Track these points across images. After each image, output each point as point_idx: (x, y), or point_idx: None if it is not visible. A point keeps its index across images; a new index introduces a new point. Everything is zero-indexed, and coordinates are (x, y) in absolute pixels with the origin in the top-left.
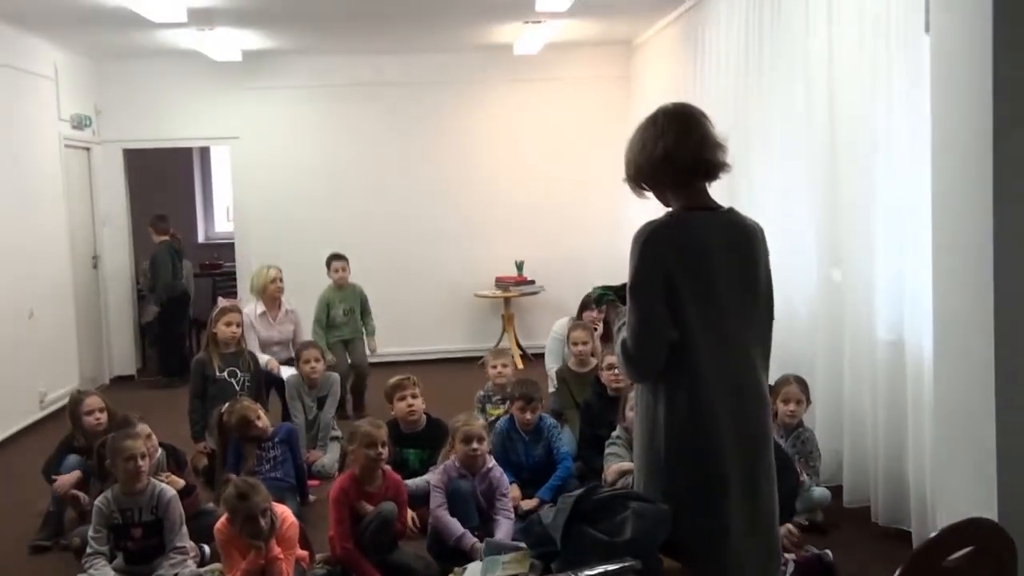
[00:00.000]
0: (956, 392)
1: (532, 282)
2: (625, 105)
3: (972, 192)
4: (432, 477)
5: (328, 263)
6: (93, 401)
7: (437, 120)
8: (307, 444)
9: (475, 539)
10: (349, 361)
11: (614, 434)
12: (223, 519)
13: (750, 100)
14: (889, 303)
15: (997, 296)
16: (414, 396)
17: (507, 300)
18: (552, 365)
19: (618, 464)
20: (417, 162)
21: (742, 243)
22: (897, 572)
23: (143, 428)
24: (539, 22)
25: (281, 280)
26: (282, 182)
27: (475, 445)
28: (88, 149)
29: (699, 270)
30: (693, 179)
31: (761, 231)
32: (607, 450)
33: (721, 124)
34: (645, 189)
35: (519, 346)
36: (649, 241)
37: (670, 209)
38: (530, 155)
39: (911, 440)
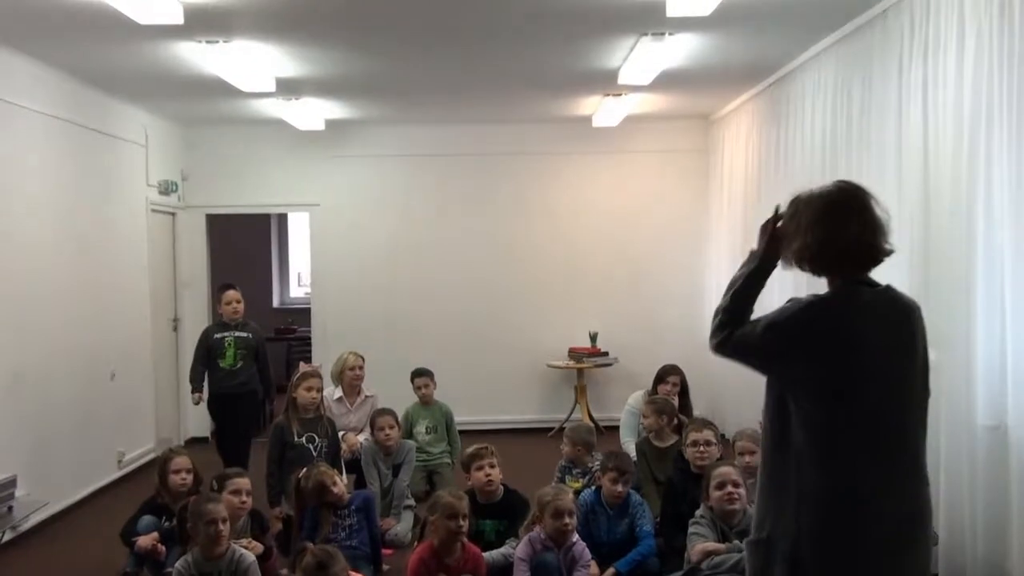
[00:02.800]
0: None
1: (606, 354)
2: (703, 178)
3: None
4: (518, 549)
5: (412, 379)
6: (182, 461)
7: (515, 190)
8: (381, 512)
9: None
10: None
11: (698, 513)
12: None
13: (838, 176)
14: (990, 386)
15: None
16: (492, 466)
17: (580, 371)
18: (627, 439)
19: (703, 544)
20: (494, 231)
21: (903, 322)
22: None
23: (244, 482)
24: (620, 95)
25: (361, 368)
26: (358, 248)
27: (566, 520)
28: (173, 214)
29: (855, 355)
30: (868, 266)
31: (918, 308)
32: (691, 529)
33: None
34: (806, 270)
35: (591, 418)
36: (807, 318)
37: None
38: (607, 227)
39: (1015, 533)
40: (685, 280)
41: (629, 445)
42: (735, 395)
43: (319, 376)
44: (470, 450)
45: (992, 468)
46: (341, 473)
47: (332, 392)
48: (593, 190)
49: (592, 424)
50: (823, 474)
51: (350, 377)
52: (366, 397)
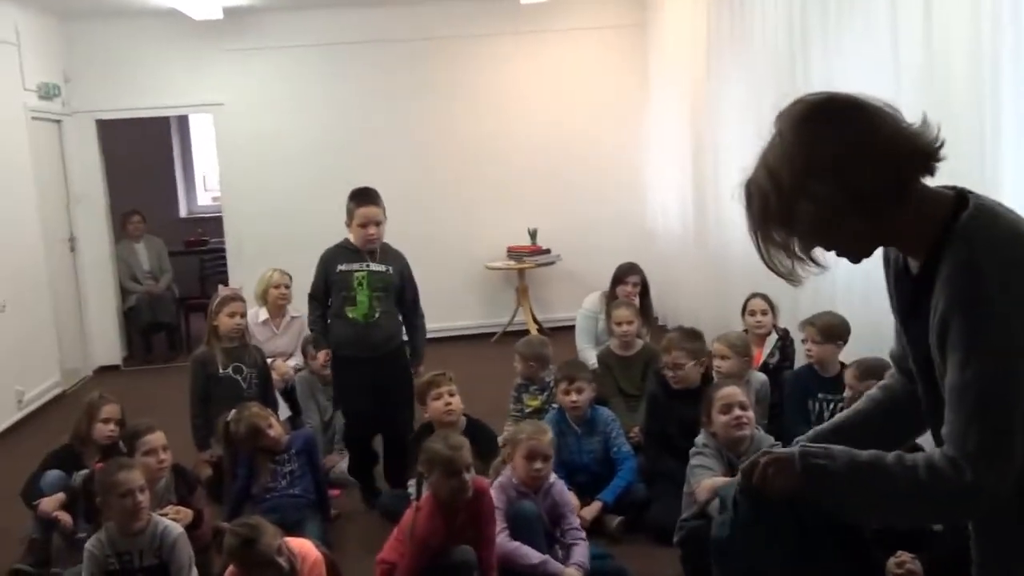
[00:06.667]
0: None
1: (547, 251)
2: (642, 57)
3: None
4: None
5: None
6: (112, 409)
7: (440, 78)
8: (323, 448)
9: (560, 565)
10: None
11: (699, 441)
12: (229, 571)
13: (811, 52)
14: None
15: None
16: (451, 394)
17: (521, 271)
18: (585, 346)
19: (710, 479)
20: (419, 125)
21: None
22: None
23: (157, 437)
24: None
25: (287, 287)
26: (272, 150)
27: (539, 464)
28: (59, 121)
29: None
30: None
31: None
32: (693, 460)
33: (769, 84)
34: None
35: (535, 320)
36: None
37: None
38: (541, 113)
39: None
40: (626, 169)
41: (587, 352)
42: (688, 291)
43: (242, 299)
44: (425, 378)
45: None
46: (276, 408)
47: (256, 314)
48: (525, 74)
49: (539, 331)
50: None
51: (275, 296)
52: (292, 318)
